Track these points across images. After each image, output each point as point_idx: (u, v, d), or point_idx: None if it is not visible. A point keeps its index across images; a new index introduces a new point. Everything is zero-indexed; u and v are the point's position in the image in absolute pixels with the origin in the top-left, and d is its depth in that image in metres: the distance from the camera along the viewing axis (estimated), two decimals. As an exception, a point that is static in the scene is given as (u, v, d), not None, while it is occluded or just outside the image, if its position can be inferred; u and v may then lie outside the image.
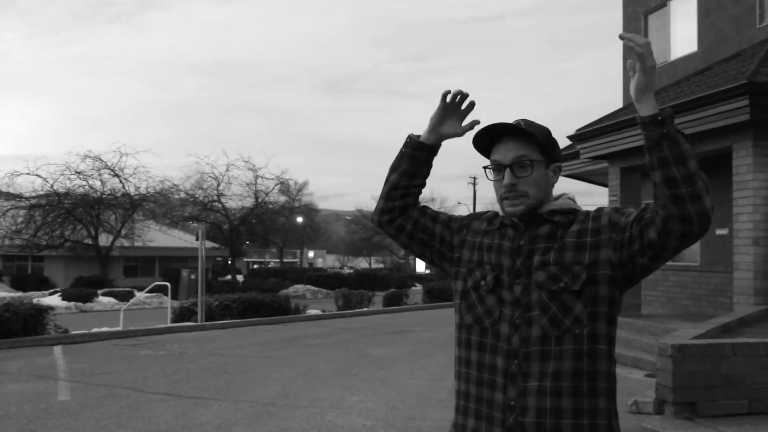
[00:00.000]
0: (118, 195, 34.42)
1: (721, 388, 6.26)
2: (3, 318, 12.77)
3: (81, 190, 33.63)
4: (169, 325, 16.28)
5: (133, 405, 7.62)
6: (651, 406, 6.53)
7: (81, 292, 26.30)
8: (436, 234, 2.08)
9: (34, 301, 16.07)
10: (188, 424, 6.77)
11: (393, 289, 27.95)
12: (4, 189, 33.62)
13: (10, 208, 32.80)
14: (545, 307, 1.78)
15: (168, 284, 19.56)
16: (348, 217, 75.83)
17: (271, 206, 40.90)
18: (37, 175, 32.92)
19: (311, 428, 6.60)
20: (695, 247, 13.90)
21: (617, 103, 16.70)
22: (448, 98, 1.98)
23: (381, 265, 75.21)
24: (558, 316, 1.77)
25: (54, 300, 24.20)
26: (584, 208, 1.91)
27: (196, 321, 16.46)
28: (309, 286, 36.45)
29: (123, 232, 34.75)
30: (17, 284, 35.09)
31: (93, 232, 34.02)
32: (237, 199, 38.93)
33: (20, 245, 33.25)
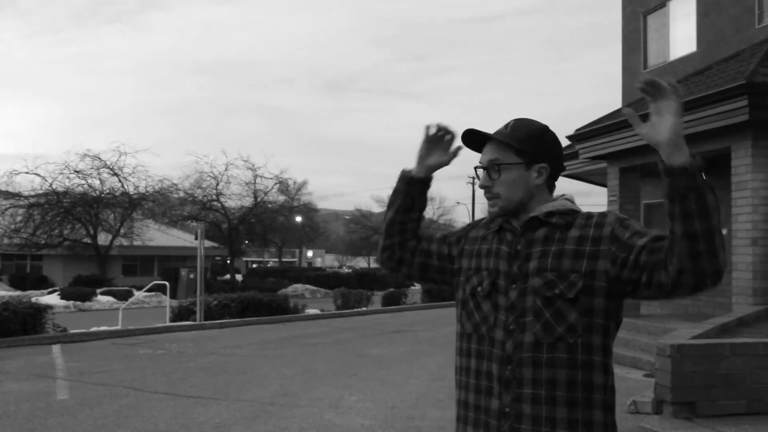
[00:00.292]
0: (117, 194, 34.43)
1: (720, 388, 6.26)
2: (2, 317, 12.76)
3: (80, 189, 33.65)
4: (168, 324, 16.28)
5: (132, 404, 7.62)
6: (650, 405, 6.54)
7: (80, 291, 26.31)
8: (433, 252, 2.10)
9: (33, 300, 16.07)
10: (187, 423, 6.77)
11: (392, 289, 27.93)
12: (3, 188, 33.63)
13: (9, 207, 32.79)
14: (539, 313, 1.77)
15: (167, 283, 19.56)
16: (347, 217, 75.85)
17: (270, 206, 40.92)
18: (36, 174, 32.96)
19: (310, 428, 6.60)
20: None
21: (617, 103, 16.72)
22: (431, 132, 2.05)
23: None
24: (551, 323, 1.75)
25: (53, 299, 24.19)
26: (584, 209, 1.90)
27: (194, 320, 16.46)
28: (308, 286, 36.45)
29: (122, 231, 34.74)
30: (16, 283, 35.07)
31: (92, 231, 34.02)
32: (236, 198, 38.99)
33: (19, 244, 33.23)
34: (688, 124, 10.62)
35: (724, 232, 12.62)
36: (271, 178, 39.46)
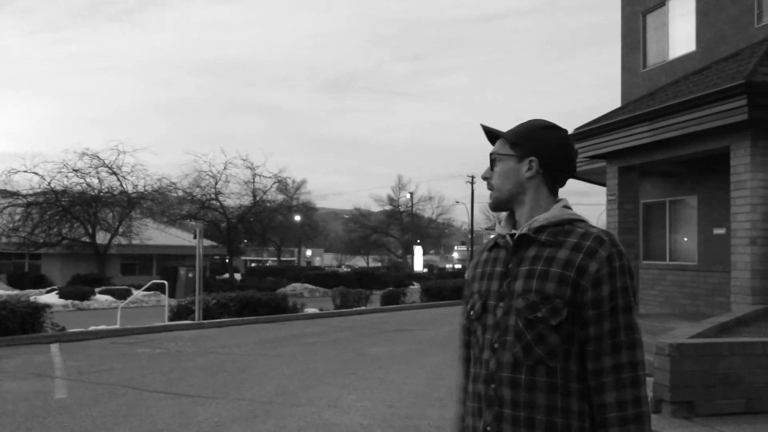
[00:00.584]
0: (116, 193, 34.40)
1: (719, 387, 6.26)
2: (0, 316, 12.76)
3: (78, 187, 33.62)
4: (167, 323, 16.28)
5: (131, 403, 7.61)
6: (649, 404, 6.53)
7: (78, 290, 26.28)
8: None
9: (32, 299, 16.07)
10: (185, 422, 6.76)
11: (391, 288, 27.96)
12: (2, 187, 33.54)
13: (8, 206, 32.75)
14: (520, 334, 1.76)
15: (165, 282, 19.55)
16: (346, 216, 75.85)
17: (269, 205, 40.91)
18: (34, 173, 32.92)
19: (309, 427, 6.60)
20: (693, 247, 13.92)
21: (616, 103, 16.72)
22: None
23: (379, 264, 75.22)
24: (531, 345, 1.74)
25: (51, 298, 24.16)
26: (582, 210, 1.88)
27: (193, 319, 16.45)
28: (307, 285, 36.45)
29: (120, 230, 34.71)
30: (14, 282, 35.02)
31: (90, 230, 33.99)
32: (235, 197, 38.98)
33: (17, 243, 33.19)
34: (688, 124, 10.63)
35: (723, 231, 12.63)
36: (270, 177, 39.49)
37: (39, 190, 33.16)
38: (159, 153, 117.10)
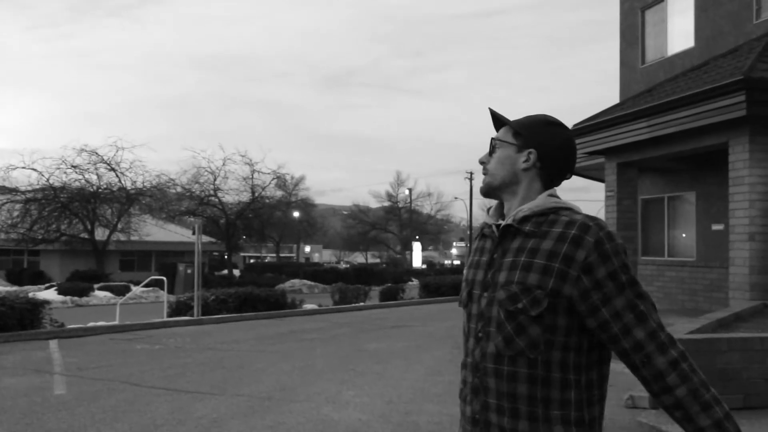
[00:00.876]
0: (115, 189, 34.41)
1: (717, 382, 6.27)
2: (-1, 312, 12.76)
3: (77, 184, 33.63)
4: (166, 319, 16.28)
5: (129, 399, 7.62)
6: (647, 400, 6.55)
7: (77, 286, 26.29)
8: None
9: (30, 295, 16.05)
10: (184, 418, 6.77)
11: (389, 284, 27.98)
12: (0, 183, 33.57)
13: (6, 202, 32.76)
14: (501, 325, 1.76)
15: (164, 278, 19.57)
16: (345, 212, 75.84)
17: (267, 201, 40.95)
18: (33, 169, 32.93)
19: (307, 422, 6.61)
20: (691, 243, 13.94)
21: (615, 99, 16.72)
22: None
23: (377, 260, 75.25)
24: (512, 336, 1.74)
25: (50, 294, 24.17)
26: (580, 205, 1.88)
27: (192, 315, 16.46)
28: (305, 281, 36.46)
29: (119, 226, 34.72)
30: (13, 278, 35.05)
31: (89, 227, 34.00)
32: (233, 193, 39.02)
33: (16, 239, 33.20)
34: (686, 120, 10.64)
35: (721, 227, 12.65)
36: (268, 174, 39.53)
37: (38, 187, 33.17)
38: (158, 149, 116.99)
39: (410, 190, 69.97)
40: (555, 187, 1.91)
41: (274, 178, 40.29)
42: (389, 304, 22.18)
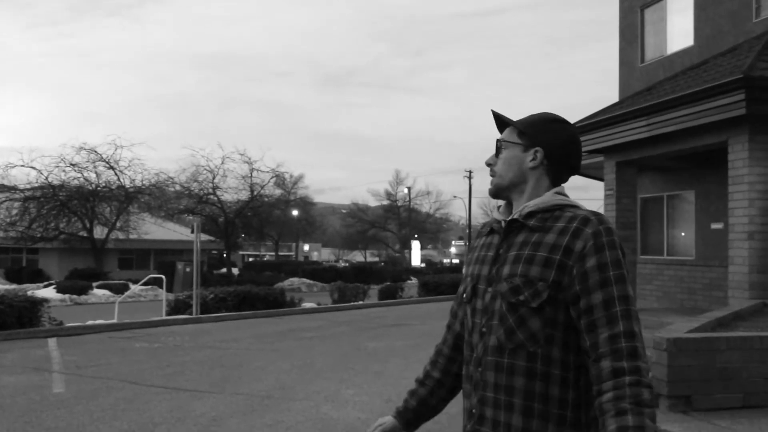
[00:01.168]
0: (113, 187, 34.37)
1: (716, 381, 6.27)
2: (-3, 310, 12.75)
3: (76, 182, 33.58)
4: (164, 317, 16.27)
5: (128, 397, 7.61)
6: (646, 399, 6.53)
7: (76, 284, 26.25)
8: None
9: (29, 293, 16.04)
10: (183, 416, 6.76)
11: (388, 283, 27.97)
12: (-1, 181, 33.54)
13: (5, 200, 32.72)
14: (503, 318, 1.77)
15: (163, 277, 19.55)
16: (344, 211, 75.84)
17: (266, 199, 40.92)
18: (31, 167, 32.88)
19: (306, 421, 6.60)
20: (691, 242, 13.93)
21: (614, 98, 16.71)
22: None
23: (376, 259, 75.24)
24: (513, 329, 1.75)
25: (49, 292, 24.13)
26: (580, 203, 1.88)
27: (191, 314, 16.45)
28: (304, 280, 36.41)
29: (118, 224, 34.68)
30: (12, 276, 35.01)
31: (88, 225, 33.96)
32: (232, 192, 38.98)
33: (15, 237, 33.16)
34: (686, 118, 10.63)
35: (721, 226, 12.65)
36: (267, 172, 39.48)
37: (36, 185, 33.12)
38: (157, 147, 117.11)
39: (409, 188, 70.03)
40: (562, 185, 1.92)
41: (273, 177, 40.27)
42: (388, 303, 22.17)
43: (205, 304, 16.88)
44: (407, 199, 70.03)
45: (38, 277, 35.08)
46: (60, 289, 25.45)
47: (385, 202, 71.14)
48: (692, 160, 13.40)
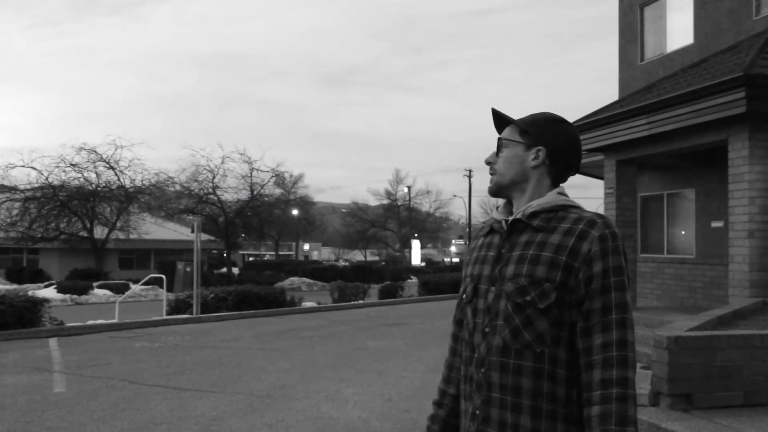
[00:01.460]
0: (114, 187, 34.35)
1: (717, 379, 6.27)
2: (-2, 310, 12.75)
3: (76, 182, 33.55)
4: (165, 317, 16.27)
5: (129, 397, 7.61)
6: (646, 397, 6.54)
7: (76, 284, 26.24)
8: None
9: (30, 293, 16.04)
10: (184, 416, 6.76)
11: (388, 282, 27.97)
12: (-1, 181, 33.52)
13: (5, 201, 32.69)
14: (509, 318, 1.76)
15: (163, 277, 19.55)
16: (344, 210, 75.81)
17: (266, 199, 40.88)
18: (32, 168, 32.85)
19: (307, 420, 6.60)
20: (691, 240, 13.92)
21: (614, 96, 16.70)
22: None
23: (376, 258, 75.23)
24: (520, 329, 1.74)
25: (49, 292, 24.13)
26: (580, 203, 1.88)
27: (191, 313, 16.45)
28: (304, 279, 36.40)
29: (118, 224, 34.67)
30: (12, 277, 35.01)
31: (88, 225, 33.95)
32: (232, 191, 38.92)
33: (15, 238, 33.15)
34: (686, 117, 10.62)
35: (721, 224, 12.64)
36: (267, 172, 39.45)
37: (37, 185, 33.10)
38: (156, 147, 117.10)
39: (409, 187, 69.94)
40: (562, 184, 1.92)
41: (272, 176, 40.23)
42: (388, 302, 22.18)
43: (206, 304, 16.88)
44: (407, 198, 70.01)
45: (39, 277, 35.08)
46: (60, 289, 25.44)
47: (385, 202, 71.11)
48: (692, 159, 13.39)
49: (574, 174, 1.95)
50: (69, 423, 6.52)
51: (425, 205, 73.85)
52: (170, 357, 10.55)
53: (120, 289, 26.23)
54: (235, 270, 43.23)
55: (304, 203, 58.34)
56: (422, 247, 74.47)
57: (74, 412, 6.94)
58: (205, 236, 35.14)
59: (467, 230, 64.59)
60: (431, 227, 75.02)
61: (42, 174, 32.81)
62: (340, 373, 9.04)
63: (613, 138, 12.35)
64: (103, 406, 7.20)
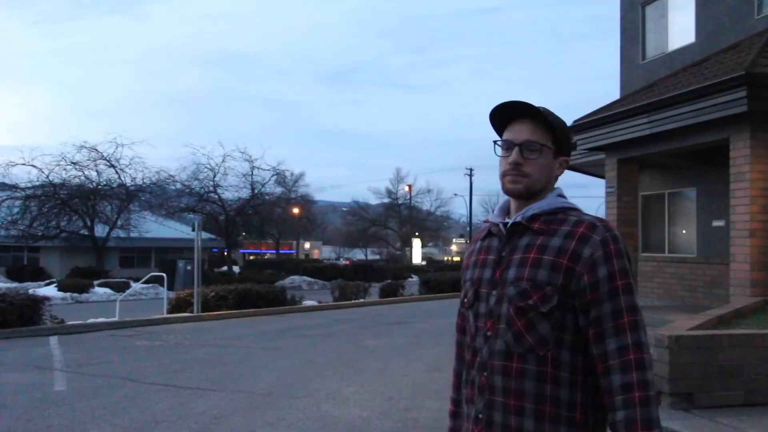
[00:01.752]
0: (114, 186, 34.35)
1: (718, 379, 6.26)
2: (-1, 308, 12.75)
3: (77, 180, 33.55)
4: (165, 315, 16.27)
5: (129, 395, 7.61)
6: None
7: (77, 282, 26.25)
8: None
9: (30, 291, 16.06)
10: (184, 414, 6.76)
11: (389, 281, 27.95)
12: (0, 179, 33.49)
13: (6, 199, 32.69)
14: (511, 321, 1.76)
15: (164, 275, 19.54)
16: (344, 209, 75.85)
17: (267, 197, 40.84)
18: (32, 166, 32.84)
19: (307, 419, 6.60)
20: (692, 239, 13.92)
21: (615, 95, 16.68)
22: None
23: (377, 257, 75.22)
24: (522, 332, 1.74)
25: (50, 291, 24.12)
26: (580, 203, 1.88)
27: (192, 312, 16.45)
28: (305, 278, 36.40)
29: (119, 223, 34.67)
30: (13, 275, 35.00)
31: (89, 223, 33.95)
32: (233, 190, 38.88)
33: (16, 236, 33.17)
34: (687, 115, 10.61)
35: (722, 223, 12.62)
36: (268, 170, 39.43)
37: (37, 183, 33.10)
38: (157, 146, 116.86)
39: (410, 186, 69.88)
40: (559, 183, 1.92)
41: (273, 175, 40.20)
42: (389, 301, 22.18)
43: (206, 303, 16.88)
44: (408, 196, 69.97)
45: (39, 275, 35.07)
46: (61, 288, 25.45)
47: (386, 200, 71.10)
48: (694, 158, 13.38)
49: None
50: (70, 421, 6.52)
51: (426, 204, 73.87)
52: (171, 355, 10.55)
53: (120, 288, 26.23)
54: (236, 268, 43.24)
55: (305, 202, 58.36)
56: (423, 245, 74.51)
57: (75, 410, 6.94)
58: (205, 235, 35.13)
59: (468, 229, 64.60)
60: (432, 226, 75.03)
61: (43, 172, 32.83)
62: (340, 372, 9.04)
63: (615, 137, 12.34)
64: (103, 404, 7.20)
